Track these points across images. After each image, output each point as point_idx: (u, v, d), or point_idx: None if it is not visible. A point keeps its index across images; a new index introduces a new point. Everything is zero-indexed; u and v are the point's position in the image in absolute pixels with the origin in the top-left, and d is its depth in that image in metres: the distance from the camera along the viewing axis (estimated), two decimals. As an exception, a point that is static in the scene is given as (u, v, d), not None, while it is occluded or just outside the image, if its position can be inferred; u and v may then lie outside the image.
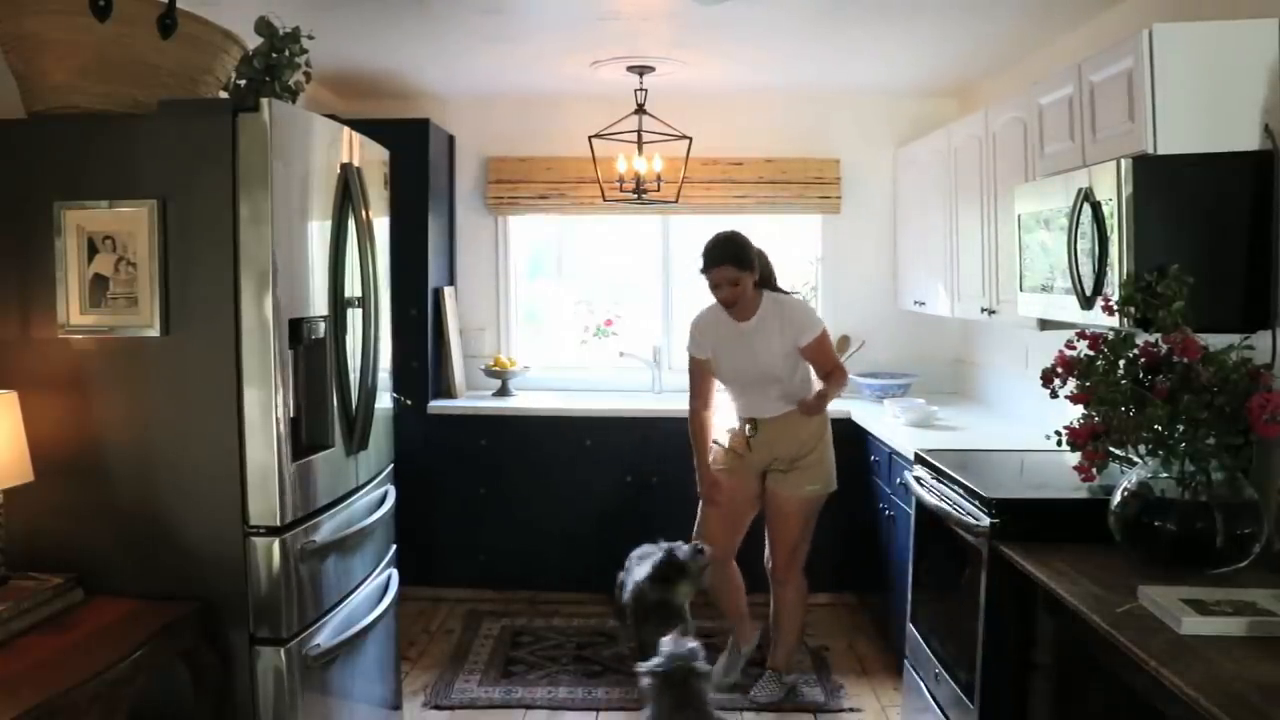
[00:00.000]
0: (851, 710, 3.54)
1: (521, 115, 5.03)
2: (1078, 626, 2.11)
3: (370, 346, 2.81)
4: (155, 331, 2.31)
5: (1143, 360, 2.24)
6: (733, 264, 3.37)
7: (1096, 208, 2.51)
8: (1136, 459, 2.25)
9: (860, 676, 3.81)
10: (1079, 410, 2.32)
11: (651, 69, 4.22)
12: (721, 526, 3.59)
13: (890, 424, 4.04)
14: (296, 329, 2.42)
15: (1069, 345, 2.36)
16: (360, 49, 3.97)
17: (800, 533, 3.56)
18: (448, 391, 4.82)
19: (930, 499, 2.95)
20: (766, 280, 3.52)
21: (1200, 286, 2.22)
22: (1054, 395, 2.38)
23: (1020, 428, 3.79)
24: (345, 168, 2.68)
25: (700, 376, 3.61)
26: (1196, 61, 2.39)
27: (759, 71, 4.39)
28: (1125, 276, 2.37)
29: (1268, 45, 2.35)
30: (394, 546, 3.15)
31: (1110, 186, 2.44)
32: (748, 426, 3.54)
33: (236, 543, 2.34)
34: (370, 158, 2.91)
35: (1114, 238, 2.43)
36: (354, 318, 2.75)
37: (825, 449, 3.58)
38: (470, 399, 4.82)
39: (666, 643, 3.02)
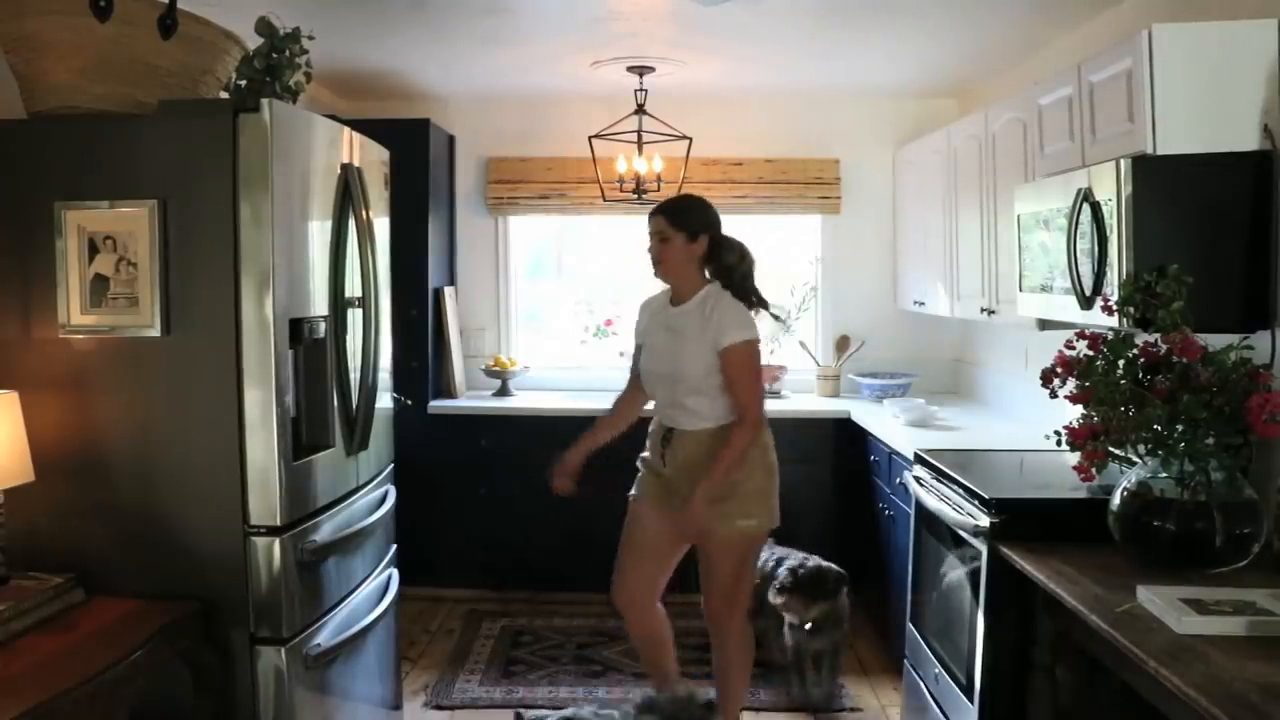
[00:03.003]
0: (851, 710, 3.54)
1: (521, 115, 5.03)
2: (1078, 626, 2.12)
3: (370, 346, 2.81)
4: (155, 331, 2.31)
5: (1142, 360, 2.24)
6: (665, 217, 2.92)
7: (1096, 208, 2.51)
8: (1136, 459, 2.25)
9: (860, 676, 3.82)
10: (1078, 410, 2.32)
11: (651, 69, 4.23)
12: (638, 567, 3.07)
13: (890, 424, 4.04)
14: (296, 329, 2.42)
15: (1068, 345, 2.36)
16: (360, 49, 3.97)
17: (735, 576, 2.97)
18: (448, 391, 4.83)
19: (930, 499, 2.95)
20: (729, 275, 2.95)
21: (1199, 287, 2.22)
22: (1053, 395, 2.38)
23: (1020, 428, 3.79)
24: (345, 168, 2.68)
25: (636, 363, 3.17)
26: (1196, 62, 2.39)
27: (759, 71, 4.39)
28: (1125, 276, 2.38)
29: (1267, 45, 2.35)
30: (394, 546, 3.15)
31: (1110, 187, 2.44)
32: (662, 437, 3.01)
33: (237, 542, 2.34)
34: (370, 158, 2.91)
35: (1113, 238, 2.43)
36: (354, 318, 2.75)
37: (763, 476, 2.95)
38: (470, 399, 4.82)
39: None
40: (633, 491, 3.13)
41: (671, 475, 2.97)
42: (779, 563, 3.59)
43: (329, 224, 2.62)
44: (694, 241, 2.92)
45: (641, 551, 3.06)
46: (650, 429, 3.10)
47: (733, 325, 2.86)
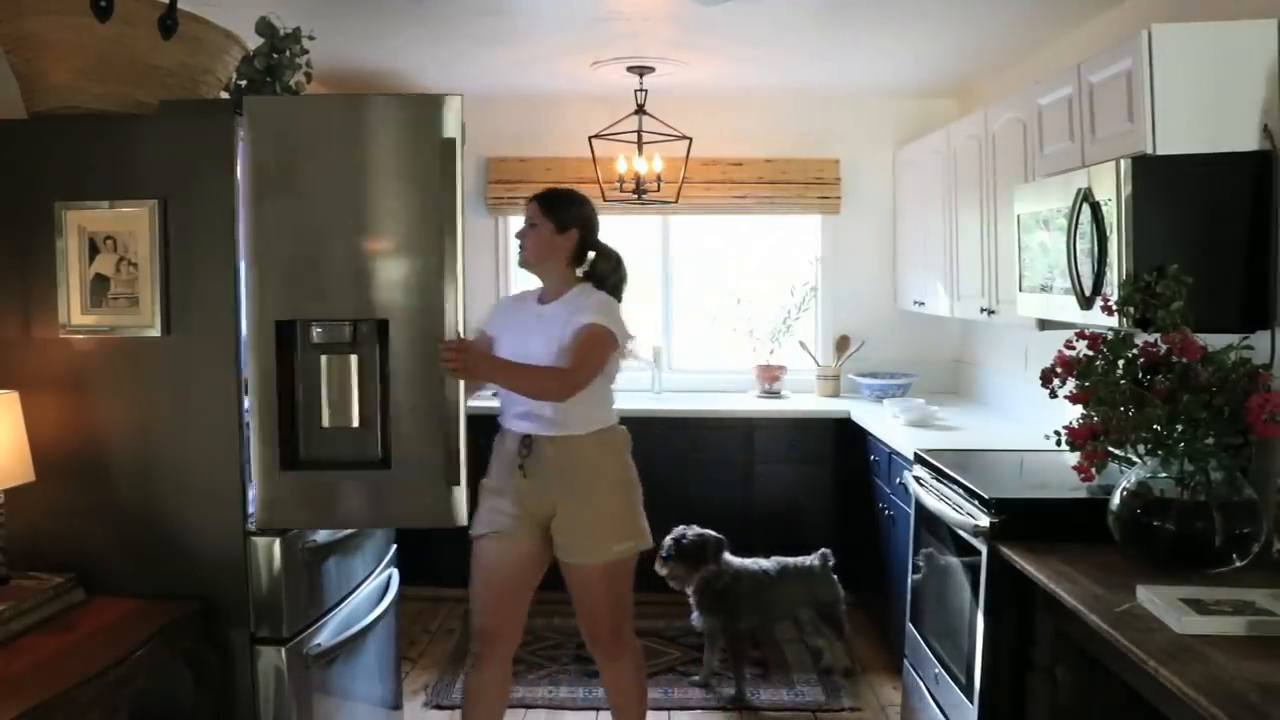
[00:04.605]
0: (851, 710, 3.55)
1: (521, 115, 5.03)
2: (1077, 626, 2.12)
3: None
4: (156, 331, 2.32)
5: (1142, 360, 2.24)
6: (538, 203, 2.74)
7: (1096, 208, 2.51)
8: (1136, 459, 2.25)
9: (860, 676, 3.82)
10: (1078, 410, 2.32)
11: (651, 69, 4.23)
12: (497, 607, 2.72)
13: (890, 424, 4.04)
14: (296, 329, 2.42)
15: (1068, 345, 2.36)
16: (360, 49, 3.97)
17: (619, 600, 2.75)
18: (448, 391, 4.81)
19: (930, 499, 2.95)
20: (600, 284, 2.80)
21: (1199, 287, 2.22)
22: (1053, 395, 2.38)
23: (1020, 428, 3.79)
24: (345, 168, 2.68)
25: None
26: (1196, 62, 2.39)
27: (759, 71, 4.39)
28: (1124, 277, 2.38)
29: (1267, 45, 2.35)
30: (394, 546, 3.15)
31: (1109, 187, 2.45)
32: (521, 446, 2.73)
33: (237, 542, 2.34)
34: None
35: (1113, 238, 2.43)
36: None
37: (625, 490, 2.74)
38: (470, 399, 4.81)
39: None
40: (473, 530, 2.73)
41: (528, 493, 2.69)
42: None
43: (329, 224, 2.61)
44: (562, 234, 2.73)
45: (494, 589, 2.73)
46: (498, 445, 2.84)
47: (599, 312, 2.65)
